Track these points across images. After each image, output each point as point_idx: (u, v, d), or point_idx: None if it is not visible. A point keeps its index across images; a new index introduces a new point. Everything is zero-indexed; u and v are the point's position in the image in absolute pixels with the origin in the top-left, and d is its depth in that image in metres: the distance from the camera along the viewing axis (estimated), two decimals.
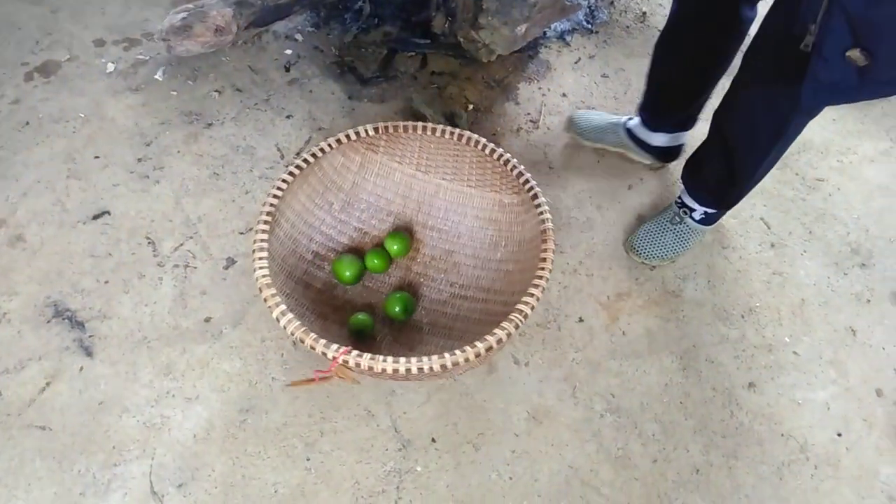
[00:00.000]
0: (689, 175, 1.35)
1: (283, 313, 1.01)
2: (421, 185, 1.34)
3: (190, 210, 1.38)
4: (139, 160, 1.45)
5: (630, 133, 1.49)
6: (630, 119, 1.50)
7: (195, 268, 1.31)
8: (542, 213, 1.15)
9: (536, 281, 1.06)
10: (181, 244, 1.34)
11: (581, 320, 1.29)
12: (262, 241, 1.10)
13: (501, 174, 1.25)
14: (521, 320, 1.01)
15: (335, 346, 0.98)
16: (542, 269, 1.08)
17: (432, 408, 1.18)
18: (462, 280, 1.28)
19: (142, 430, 1.13)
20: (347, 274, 1.23)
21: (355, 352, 0.98)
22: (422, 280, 1.29)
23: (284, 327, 1.01)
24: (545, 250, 1.10)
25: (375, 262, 1.25)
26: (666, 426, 1.18)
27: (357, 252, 1.29)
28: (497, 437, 1.16)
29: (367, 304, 1.25)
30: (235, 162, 1.47)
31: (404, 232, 1.31)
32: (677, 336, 1.28)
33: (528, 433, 1.16)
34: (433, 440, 1.14)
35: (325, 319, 1.19)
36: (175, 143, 1.49)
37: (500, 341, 0.99)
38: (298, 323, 1.01)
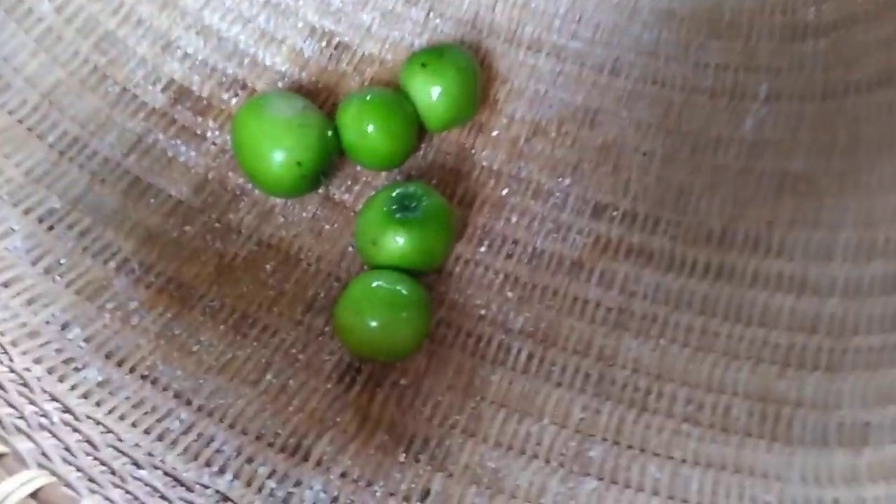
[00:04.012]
0: None
1: None
2: None
3: None
4: None
5: None
6: None
7: None
8: None
9: None
10: None
11: None
12: None
13: None
14: None
15: None
16: None
17: None
18: (628, 200, 0.41)
19: None
20: (277, 158, 0.36)
21: None
22: (498, 203, 0.42)
23: None
24: None
25: (370, 128, 0.38)
26: None
27: (315, 96, 0.42)
28: None
29: (333, 260, 0.40)
30: None
31: (456, 49, 0.43)
32: None
33: None
34: None
35: (181, 306, 0.35)
36: None
37: None
38: None
